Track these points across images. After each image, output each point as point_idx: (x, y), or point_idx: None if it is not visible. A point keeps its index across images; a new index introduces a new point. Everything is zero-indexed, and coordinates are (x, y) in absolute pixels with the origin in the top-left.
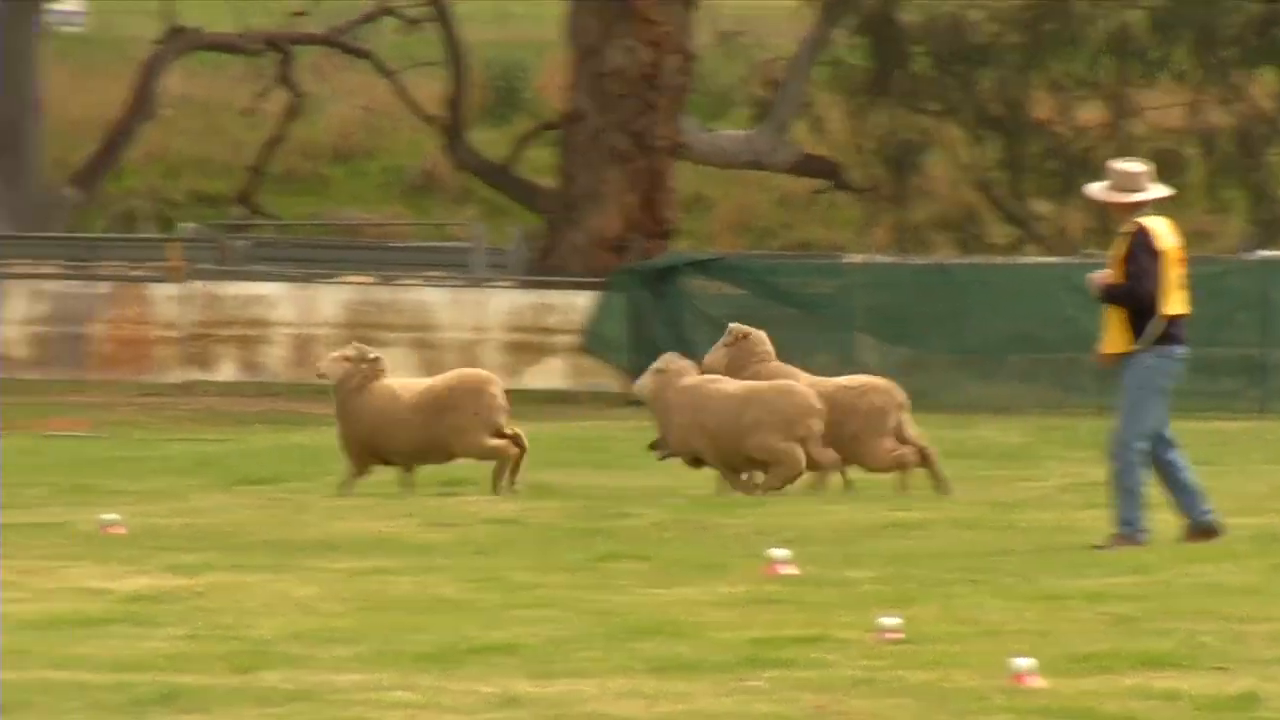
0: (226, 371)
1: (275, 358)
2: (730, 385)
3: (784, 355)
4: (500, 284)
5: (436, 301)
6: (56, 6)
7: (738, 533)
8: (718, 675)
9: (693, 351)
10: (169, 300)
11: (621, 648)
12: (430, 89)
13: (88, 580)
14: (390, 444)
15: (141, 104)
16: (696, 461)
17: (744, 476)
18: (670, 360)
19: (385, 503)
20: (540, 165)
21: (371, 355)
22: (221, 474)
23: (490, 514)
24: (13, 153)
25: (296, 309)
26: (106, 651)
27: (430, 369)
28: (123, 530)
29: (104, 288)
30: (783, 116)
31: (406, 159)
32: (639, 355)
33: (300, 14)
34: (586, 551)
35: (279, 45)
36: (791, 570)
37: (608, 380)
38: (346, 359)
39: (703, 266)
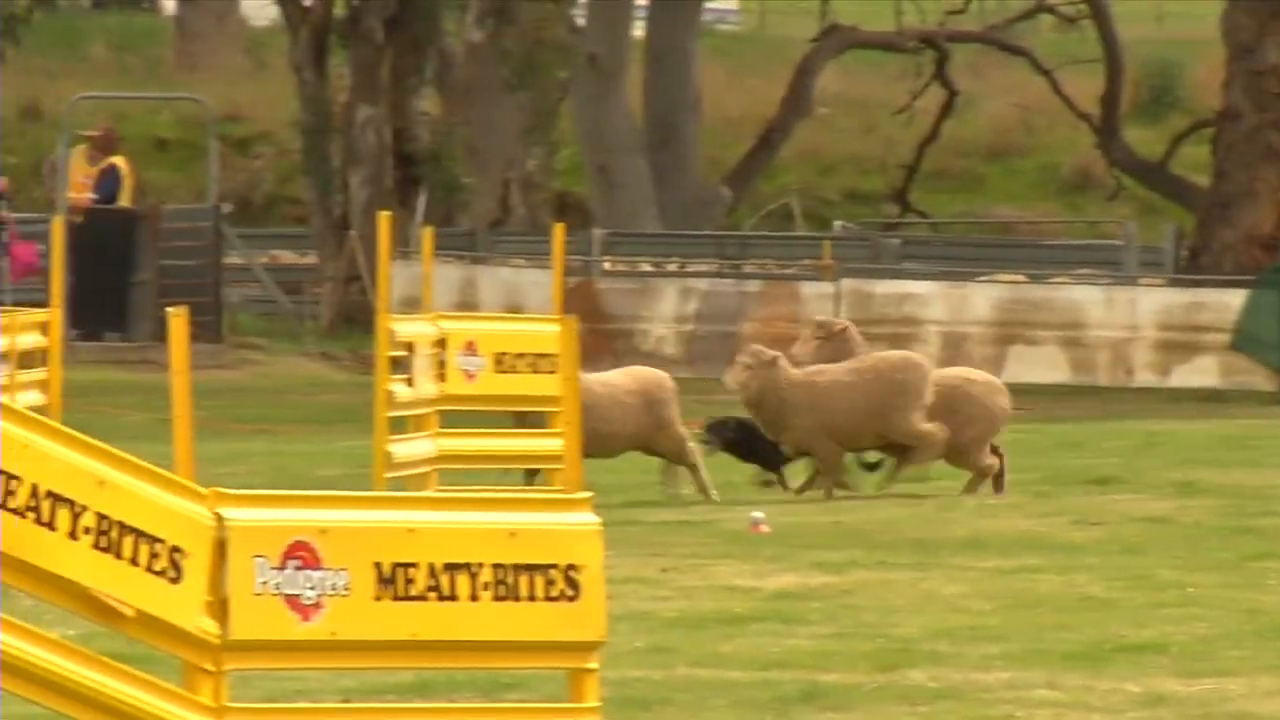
0: None
1: (926, 356)
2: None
3: None
4: (1152, 282)
5: (1088, 300)
6: (713, 4)
7: None
8: None
9: None
10: (820, 298)
11: (1270, 647)
12: (1086, 86)
13: (734, 578)
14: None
15: (797, 102)
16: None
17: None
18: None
19: (1035, 501)
20: (1194, 163)
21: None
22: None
23: (1140, 512)
24: (669, 151)
25: (948, 307)
26: (752, 649)
27: (1080, 368)
28: (767, 529)
29: (755, 286)
30: None
31: (1061, 156)
32: None
33: (957, 11)
34: (1235, 550)
35: (935, 43)
36: None
37: (1259, 379)
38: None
39: None
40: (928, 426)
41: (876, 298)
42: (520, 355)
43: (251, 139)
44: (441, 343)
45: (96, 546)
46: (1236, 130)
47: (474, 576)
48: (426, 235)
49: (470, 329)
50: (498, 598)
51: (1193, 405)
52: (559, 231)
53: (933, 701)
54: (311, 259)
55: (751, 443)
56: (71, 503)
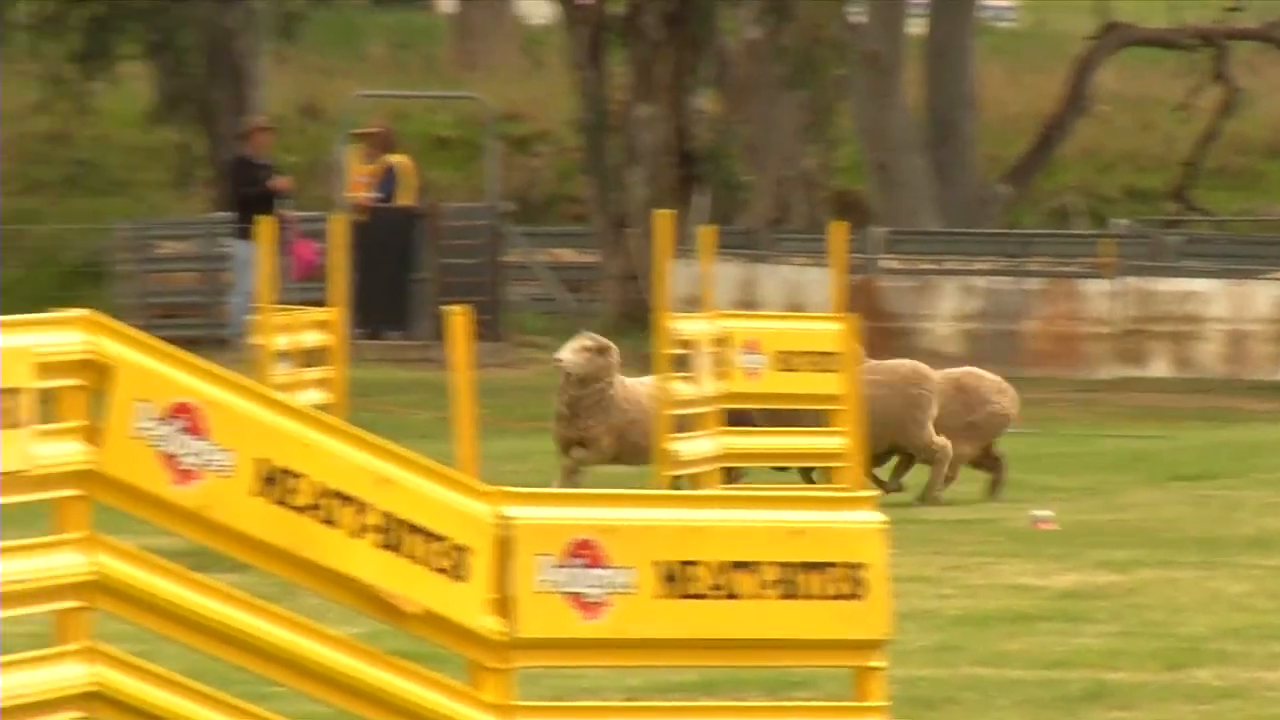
0: (1159, 368)
1: (1209, 354)
2: None
3: None
4: None
5: None
6: (990, 1)
7: None
8: None
9: None
10: (1101, 296)
11: None
12: None
13: (1018, 576)
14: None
15: (1076, 100)
16: None
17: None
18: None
19: None
20: None
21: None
22: (1153, 470)
23: None
24: (948, 148)
25: (1230, 305)
26: (1037, 648)
27: None
28: (1054, 526)
29: (1036, 284)
30: None
31: None
32: None
33: (1235, 9)
34: None
35: (1213, 40)
36: None
37: None
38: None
39: None
40: (938, 439)
41: (1158, 296)
42: (802, 354)
43: (530, 137)
44: (723, 341)
45: (379, 545)
46: None
47: (758, 575)
48: (705, 234)
49: (751, 327)
50: (782, 596)
51: None
52: (839, 230)
53: (1217, 700)
54: (592, 257)
55: None
56: (354, 501)
